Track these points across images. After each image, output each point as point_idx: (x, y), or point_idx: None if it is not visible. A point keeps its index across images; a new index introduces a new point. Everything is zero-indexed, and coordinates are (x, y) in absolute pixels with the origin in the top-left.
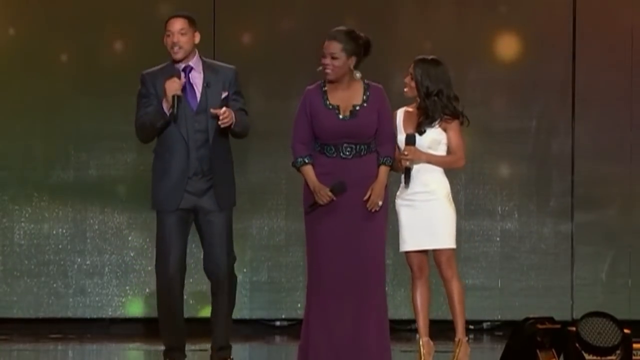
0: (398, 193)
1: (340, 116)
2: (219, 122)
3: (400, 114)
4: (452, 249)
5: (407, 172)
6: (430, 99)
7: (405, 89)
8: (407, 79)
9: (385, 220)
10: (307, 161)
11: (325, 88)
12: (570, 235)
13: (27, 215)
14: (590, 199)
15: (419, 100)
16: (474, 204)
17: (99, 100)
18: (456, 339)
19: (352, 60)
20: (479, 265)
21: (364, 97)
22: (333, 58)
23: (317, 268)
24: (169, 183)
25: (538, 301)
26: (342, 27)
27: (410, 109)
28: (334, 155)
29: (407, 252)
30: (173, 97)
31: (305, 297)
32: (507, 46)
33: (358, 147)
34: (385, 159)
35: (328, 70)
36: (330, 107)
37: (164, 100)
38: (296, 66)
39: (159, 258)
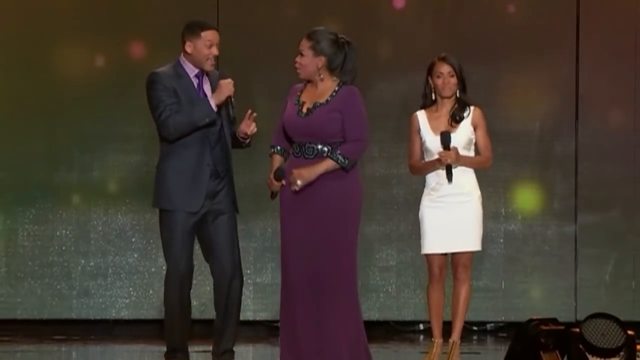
0: (426, 194)
1: (300, 113)
2: (249, 132)
3: (421, 116)
4: (473, 253)
5: (449, 169)
6: (465, 90)
7: (444, 90)
8: (447, 79)
9: (355, 223)
10: (274, 150)
11: (305, 85)
12: (574, 236)
13: (30, 216)
14: (594, 200)
15: (456, 95)
16: None
17: (104, 102)
18: (451, 340)
19: (321, 60)
20: (483, 266)
21: (329, 97)
22: (301, 55)
23: (282, 271)
24: (186, 182)
25: (542, 303)
26: (320, 27)
27: (431, 111)
28: (299, 155)
29: (427, 255)
30: (228, 98)
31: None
32: (510, 46)
33: (320, 147)
34: (337, 155)
35: (296, 66)
36: (296, 103)
37: (212, 98)
38: None
39: (171, 259)
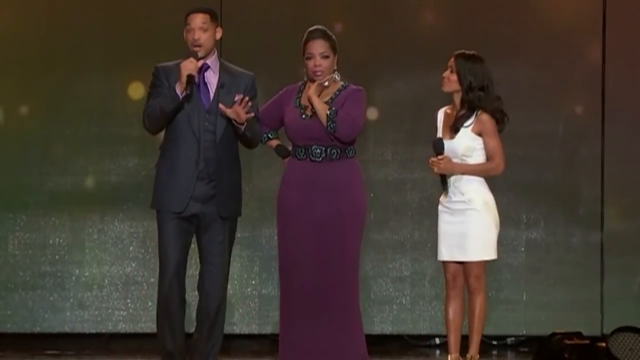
0: (441, 199)
1: (304, 115)
2: (237, 110)
3: (440, 115)
4: (483, 262)
5: (443, 178)
6: (474, 92)
7: (443, 84)
8: (447, 73)
9: (360, 229)
10: (270, 136)
11: (303, 87)
12: (600, 245)
13: (22, 223)
14: (622, 206)
15: (460, 95)
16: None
17: (98, 102)
18: (468, 356)
19: (335, 59)
20: (503, 277)
21: (332, 96)
22: (324, 57)
23: (282, 281)
24: (176, 182)
25: (565, 315)
26: (319, 27)
27: (449, 110)
28: (304, 157)
29: (442, 262)
30: (188, 76)
31: (279, 311)
32: (532, 43)
33: (329, 150)
34: (332, 112)
35: (321, 70)
36: (297, 105)
37: (177, 84)
38: None
39: (160, 261)
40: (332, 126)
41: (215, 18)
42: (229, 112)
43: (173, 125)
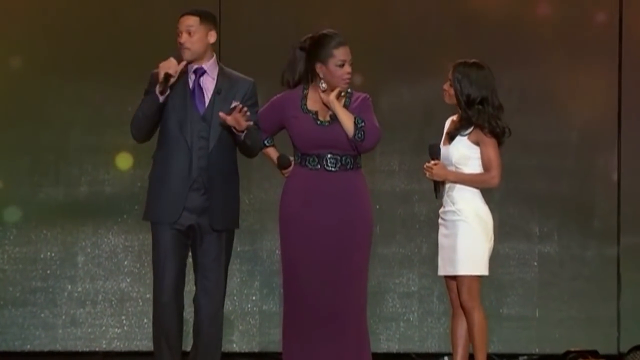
0: (440, 211)
1: (319, 121)
2: (236, 118)
3: (447, 123)
4: (474, 277)
5: (435, 184)
6: (473, 108)
7: (444, 96)
8: (446, 86)
9: (370, 242)
10: (267, 143)
11: (306, 92)
12: (616, 259)
13: (11, 237)
14: (639, 219)
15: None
16: (508, 224)
17: (91, 110)
18: None
19: None
20: (515, 292)
21: (346, 103)
22: (351, 64)
23: (287, 297)
24: (168, 192)
25: (580, 333)
26: (334, 31)
27: (455, 118)
28: (317, 167)
29: (444, 277)
30: (166, 75)
31: (282, 328)
32: (545, 49)
33: (344, 159)
34: (359, 120)
35: (348, 78)
36: (307, 111)
37: (157, 85)
38: None
39: (154, 281)
40: (360, 135)
41: (207, 20)
42: (229, 119)
43: (164, 133)
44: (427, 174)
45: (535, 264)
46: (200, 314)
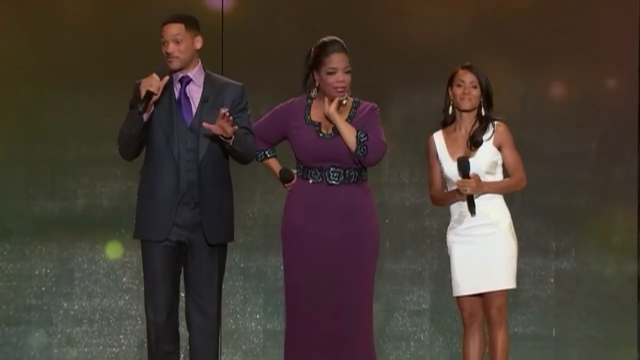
0: (450, 227)
1: (321, 134)
2: (222, 125)
3: (438, 139)
4: (507, 292)
5: (470, 199)
6: (492, 108)
7: (462, 103)
8: (467, 90)
9: (376, 257)
10: (268, 154)
11: (310, 102)
12: (636, 276)
13: (4, 252)
14: None
15: (476, 111)
16: (524, 239)
17: (88, 121)
18: None
19: None
20: (531, 310)
21: (351, 114)
22: (347, 72)
23: (289, 314)
24: (156, 207)
25: (599, 352)
26: (336, 38)
27: (449, 131)
28: (320, 180)
29: (458, 297)
30: (147, 93)
31: (283, 347)
32: (562, 55)
33: (347, 172)
34: (361, 134)
35: (344, 87)
36: (310, 122)
37: (139, 104)
38: None
39: (146, 301)
40: (362, 151)
41: (192, 26)
42: (214, 128)
43: (151, 147)
44: (468, 189)
45: (552, 280)
46: (193, 330)
